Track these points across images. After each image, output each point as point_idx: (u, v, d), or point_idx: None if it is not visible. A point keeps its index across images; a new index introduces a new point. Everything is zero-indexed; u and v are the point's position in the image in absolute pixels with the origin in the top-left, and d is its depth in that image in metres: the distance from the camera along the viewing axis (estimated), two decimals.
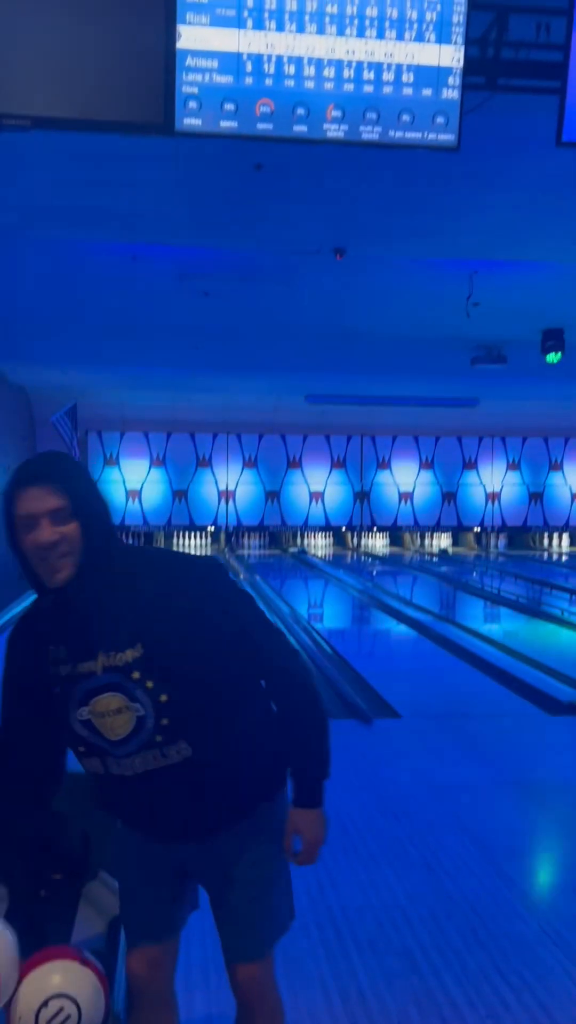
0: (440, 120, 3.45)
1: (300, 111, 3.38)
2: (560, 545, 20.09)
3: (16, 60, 3.23)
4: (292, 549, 18.85)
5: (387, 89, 3.40)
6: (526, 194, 5.87)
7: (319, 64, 3.36)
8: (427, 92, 3.42)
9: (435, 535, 19.95)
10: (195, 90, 3.32)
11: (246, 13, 3.29)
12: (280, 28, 3.31)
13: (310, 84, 3.37)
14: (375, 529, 19.61)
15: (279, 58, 3.34)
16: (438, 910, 3.25)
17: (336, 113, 3.40)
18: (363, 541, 19.66)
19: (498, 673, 7.23)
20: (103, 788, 1.93)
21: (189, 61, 3.30)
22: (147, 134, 3.37)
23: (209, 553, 18.57)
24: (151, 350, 11.99)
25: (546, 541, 20.15)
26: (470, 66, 3.50)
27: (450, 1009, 2.66)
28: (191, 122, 3.34)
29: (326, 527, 19.36)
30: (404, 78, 3.40)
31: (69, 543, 1.67)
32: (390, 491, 19.53)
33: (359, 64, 3.38)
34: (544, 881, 3.78)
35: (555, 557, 19.14)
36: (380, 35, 3.35)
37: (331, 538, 19.52)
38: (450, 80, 3.42)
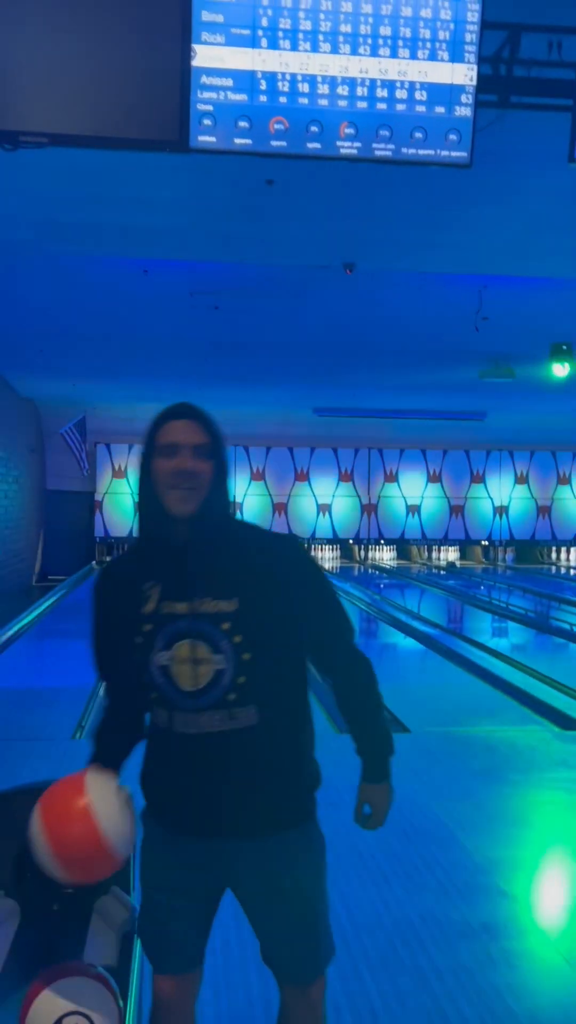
0: (453, 137, 3.47)
1: (314, 128, 3.40)
2: (568, 559, 20.04)
3: (32, 78, 3.26)
4: None
5: (400, 107, 3.42)
6: (537, 210, 5.90)
7: (333, 82, 3.39)
8: (440, 110, 3.44)
9: (442, 548, 19.94)
10: (210, 108, 3.34)
11: (261, 33, 3.32)
12: (294, 47, 3.34)
13: (324, 102, 3.39)
14: (382, 542, 19.60)
15: (293, 76, 3.37)
16: (449, 929, 3.23)
17: (349, 130, 3.42)
18: (370, 554, 19.65)
19: (507, 687, 7.21)
20: (162, 754, 1.85)
21: (204, 79, 3.33)
22: (162, 151, 3.40)
23: None
24: (160, 363, 12.04)
25: (554, 555, 20.10)
26: (483, 84, 3.52)
27: None
28: (205, 139, 3.36)
29: (333, 539, 19.36)
30: (417, 96, 3.42)
31: (201, 479, 1.75)
32: (397, 504, 19.53)
33: (372, 82, 3.40)
34: (557, 900, 3.75)
35: (563, 571, 19.08)
36: (393, 54, 3.37)
37: (338, 550, 19.52)
38: (463, 98, 3.44)
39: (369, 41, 3.35)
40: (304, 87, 3.37)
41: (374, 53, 3.36)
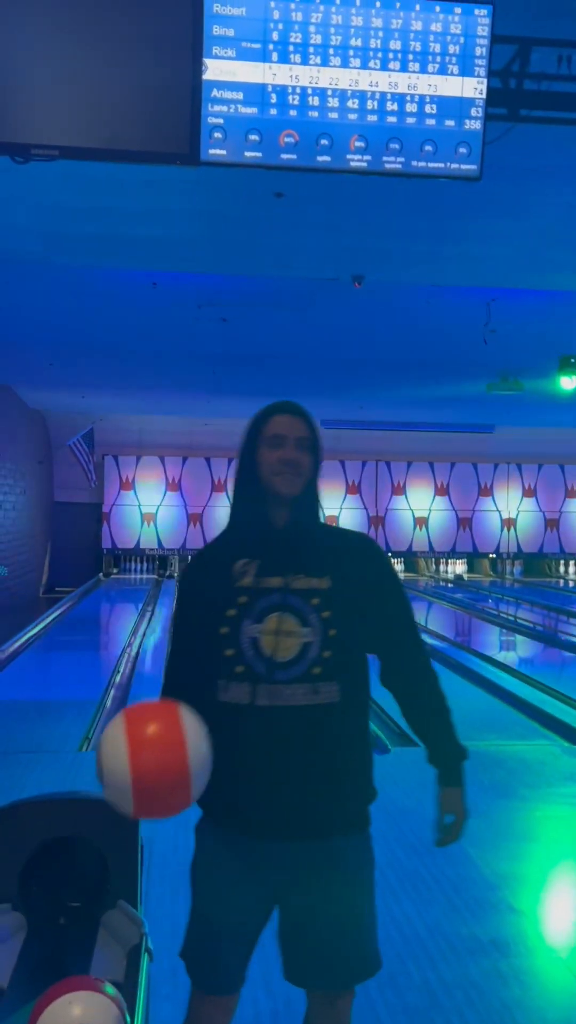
0: (463, 150, 3.48)
1: (324, 141, 3.42)
2: None
3: (43, 91, 3.28)
4: None
5: (410, 120, 3.43)
6: (546, 223, 5.91)
7: (343, 95, 3.40)
8: (450, 123, 3.45)
9: (450, 561, 19.89)
10: (220, 121, 3.36)
11: (271, 46, 3.34)
12: (305, 61, 3.35)
13: (334, 115, 3.40)
14: (390, 554, 19.56)
15: (303, 89, 3.38)
16: (459, 945, 3.20)
17: (360, 143, 3.43)
18: None
19: (515, 701, 7.17)
20: (233, 737, 1.83)
21: (215, 93, 3.34)
22: (172, 164, 3.41)
23: None
24: (168, 375, 12.08)
25: (562, 568, 20.03)
26: (493, 97, 3.54)
27: None
28: (216, 152, 3.38)
29: None
30: (427, 109, 3.43)
31: (302, 468, 1.90)
32: (405, 516, 19.50)
33: (383, 95, 3.41)
34: (567, 916, 3.71)
35: (571, 584, 19.01)
36: (403, 67, 3.39)
37: None
38: (473, 111, 3.45)
39: (379, 55, 3.36)
40: (314, 100, 3.38)
41: (384, 67, 3.38)
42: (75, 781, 4.83)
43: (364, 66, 3.37)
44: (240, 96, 3.36)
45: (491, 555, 19.87)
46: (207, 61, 3.31)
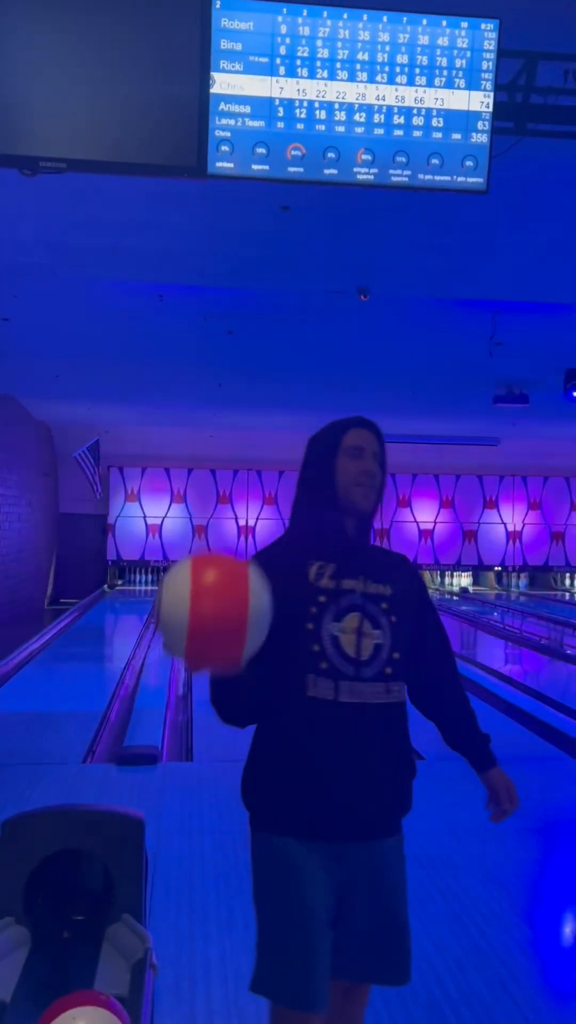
0: (469, 163, 3.49)
1: (331, 155, 3.43)
2: None
3: (52, 104, 3.30)
4: None
5: (417, 133, 3.45)
6: (552, 236, 5.92)
7: (350, 109, 3.42)
8: (457, 136, 3.46)
9: (455, 574, 19.85)
10: (228, 134, 3.38)
11: (278, 60, 3.35)
12: (312, 75, 3.37)
13: (341, 128, 3.42)
14: None
15: (310, 103, 3.40)
16: (465, 961, 3.17)
17: (366, 157, 3.44)
18: None
19: (522, 715, 7.14)
20: (318, 732, 1.86)
21: (222, 106, 3.36)
22: (180, 176, 3.43)
23: None
24: (174, 387, 12.10)
25: (567, 581, 19.97)
26: (499, 111, 3.55)
27: None
28: (223, 165, 3.39)
29: None
30: (434, 122, 3.44)
31: (376, 481, 2.01)
32: (410, 529, 19.48)
33: (389, 109, 3.43)
34: (575, 932, 3.68)
35: None
36: (410, 81, 3.41)
37: None
38: (480, 124, 3.47)
39: (386, 69, 3.38)
40: (321, 114, 3.40)
41: (391, 80, 3.39)
42: (79, 794, 4.81)
43: (371, 80, 3.38)
44: (247, 110, 3.37)
45: (496, 568, 19.82)
46: (215, 75, 3.33)
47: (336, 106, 3.41)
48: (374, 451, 2.00)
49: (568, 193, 5.09)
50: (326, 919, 1.87)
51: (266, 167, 3.42)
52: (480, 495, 19.61)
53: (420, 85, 3.42)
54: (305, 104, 3.39)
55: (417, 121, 3.44)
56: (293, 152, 3.41)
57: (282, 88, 3.38)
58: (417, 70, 3.41)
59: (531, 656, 11.50)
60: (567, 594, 19.35)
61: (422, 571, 19.54)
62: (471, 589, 19.45)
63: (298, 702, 1.87)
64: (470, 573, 19.92)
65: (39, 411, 15.24)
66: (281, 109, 3.38)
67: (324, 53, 3.36)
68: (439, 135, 3.45)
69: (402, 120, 3.43)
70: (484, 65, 3.42)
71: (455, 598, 18.15)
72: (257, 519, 19.03)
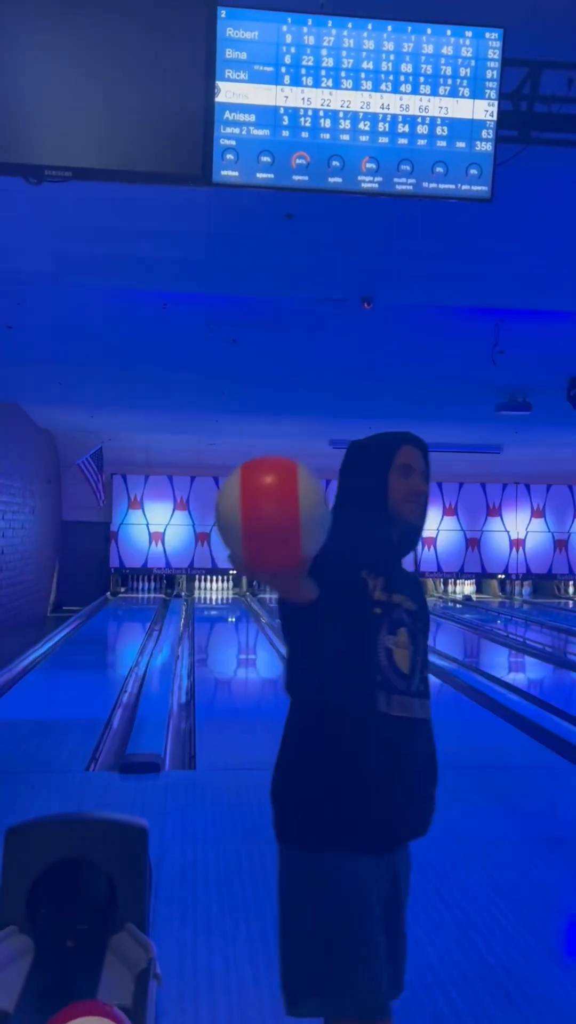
0: (474, 172, 3.49)
1: (335, 163, 3.44)
2: None
3: (57, 113, 3.31)
4: None
5: (421, 142, 3.46)
6: (556, 244, 5.92)
7: (354, 117, 3.42)
8: (461, 145, 3.47)
9: (458, 582, 19.82)
10: (233, 143, 3.39)
11: (283, 69, 3.37)
12: (316, 83, 3.38)
13: (345, 137, 3.43)
14: None
15: (315, 112, 3.41)
16: (470, 972, 3.15)
17: (371, 165, 3.45)
18: None
19: (525, 724, 7.11)
20: (376, 743, 1.87)
21: (227, 115, 3.37)
22: (185, 185, 3.44)
23: (231, 598, 18.54)
24: (178, 395, 12.12)
25: (571, 589, 19.94)
26: (503, 119, 3.56)
27: None
28: (228, 174, 3.40)
29: None
30: (438, 131, 3.45)
31: (423, 500, 2.04)
32: None
33: (394, 117, 3.44)
34: None
35: None
36: (415, 90, 3.42)
37: None
38: (484, 133, 3.47)
39: (391, 77, 3.39)
40: (326, 122, 3.41)
41: (396, 89, 3.40)
42: (82, 802, 4.80)
43: (376, 89, 3.40)
44: (252, 118, 3.39)
45: (500, 576, 19.79)
46: (220, 84, 3.34)
47: (341, 115, 3.42)
48: (422, 469, 2.03)
49: (572, 201, 5.10)
50: (380, 927, 1.89)
51: (271, 175, 3.43)
52: (483, 503, 19.59)
53: (424, 94, 3.43)
54: (310, 113, 3.40)
55: (421, 130, 3.45)
56: (298, 160, 3.42)
57: (287, 97, 3.39)
58: (421, 79, 3.42)
59: (535, 664, 11.47)
60: (571, 602, 19.30)
61: (424, 579, 19.53)
62: (474, 597, 19.42)
63: (360, 711, 1.86)
64: (473, 581, 19.89)
65: (43, 419, 15.26)
66: (286, 118, 3.40)
67: (329, 62, 3.37)
68: (443, 143, 3.46)
69: (406, 129, 3.44)
70: (488, 74, 3.43)
71: (458, 606, 18.11)
72: None
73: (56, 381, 11.42)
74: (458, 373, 10.28)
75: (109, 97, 3.30)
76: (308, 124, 3.40)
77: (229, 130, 3.38)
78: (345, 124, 3.41)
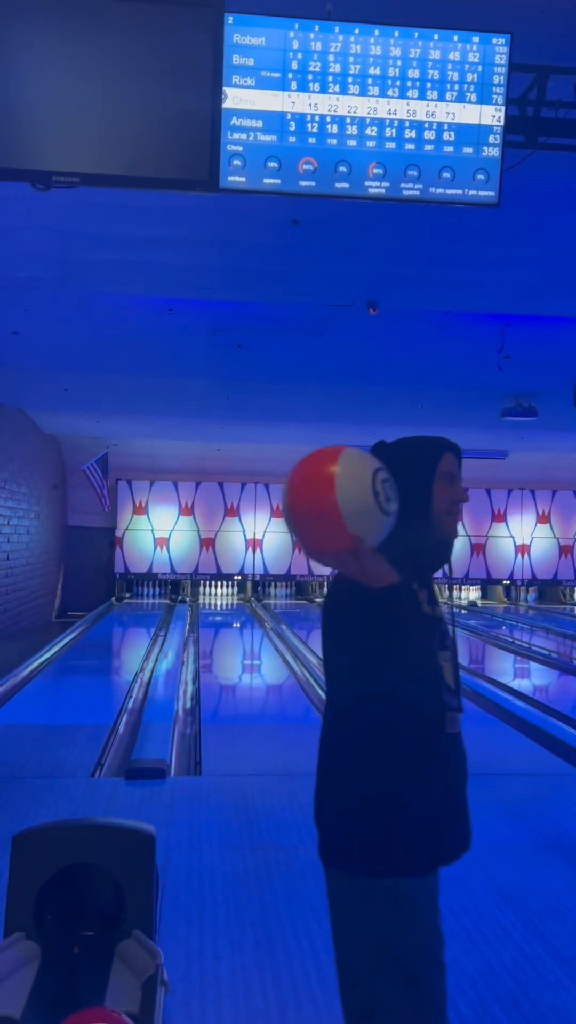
0: (481, 177, 3.49)
1: (342, 168, 3.44)
2: None
3: (65, 119, 3.32)
4: (319, 599, 18.75)
5: (428, 147, 3.46)
6: (562, 249, 5.92)
7: (361, 123, 3.43)
8: (468, 150, 3.47)
9: (463, 587, 19.78)
10: (240, 148, 3.39)
11: (290, 75, 3.37)
12: (324, 89, 3.39)
13: (352, 142, 3.43)
14: None
15: (322, 117, 3.41)
16: (477, 979, 3.13)
17: (378, 170, 3.45)
18: None
19: (531, 730, 7.08)
20: (438, 762, 1.86)
21: (234, 121, 3.38)
22: (192, 191, 3.44)
23: (235, 603, 18.54)
24: (183, 400, 12.13)
25: None
26: (510, 124, 3.56)
27: None
28: (235, 179, 3.41)
29: None
30: (445, 136, 3.45)
31: (462, 510, 1.99)
32: None
33: (401, 123, 3.44)
34: None
35: None
36: (422, 95, 3.42)
37: None
38: (491, 138, 3.47)
39: (398, 83, 3.40)
40: (333, 128, 3.41)
41: (403, 95, 3.41)
42: (88, 807, 4.79)
43: (383, 94, 3.40)
44: (259, 124, 3.39)
45: (505, 582, 19.75)
46: (227, 90, 3.35)
47: (348, 120, 3.42)
48: (460, 477, 1.98)
49: None
50: None
51: (278, 181, 3.43)
52: (488, 508, 19.56)
53: (431, 99, 3.43)
54: (317, 118, 3.41)
55: (429, 135, 3.45)
56: (305, 166, 3.43)
57: (294, 102, 3.39)
58: (428, 84, 3.42)
59: (540, 670, 11.44)
60: None
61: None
62: (479, 603, 19.38)
63: (437, 735, 1.84)
64: (479, 587, 19.85)
65: (48, 424, 15.28)
66: (293, 123, 3.40)
67: (336, 68, 3.37)
68: (450, 149, 3.46)
69: (414, 134, 3.44)
70: (495, 79, 3.43)
71: (463, 612, 18.07)
72: (264, 532, 19.01)
73: (62, 387, 11.45)
74: (464, 378, 10.27)
75: (116, 103, 3.31)
76: (315, 130, 3.40)
77: (236, 136, 3.39)
78: (352, 130, 3.41)
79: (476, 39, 3.42)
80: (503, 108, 3.48)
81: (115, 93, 3.30)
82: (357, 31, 3.38)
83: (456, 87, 3.42)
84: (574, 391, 10.08)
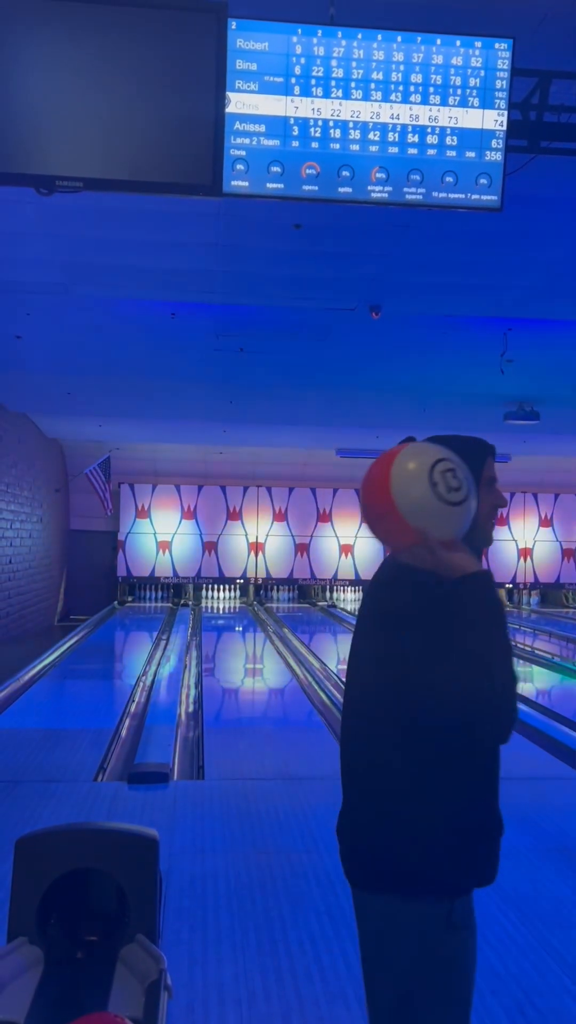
0: (483, 181, 3.50)
1: (345, 173, 3.45)
2: None
3: (68, 124, 3.33)
4: (321, 603, 18.74)
5: (431, 151, 3.46)
6: (564, 253, 5.92)
7: (364, 127, 3.43)
8: (471, 154, 3.47)
9: None
10: (243, 153, 3.40)
11: (293, 80, 3.38)
12: (327, 94, 3.39)
13: (355, 147, 3.43)
14: None
15: (325, 122, 3.42)
16: (482, 985, 3.10)
17: (381, 175, 3.45)
18: None
19: (534, 734, 7.07)
20: (493, 780, 1.84)
21: (237, 125, 3.38)
22: (195, 195, 3.44)
23: (238, 606, 18.53)
24: (185, 404, 12.14)
25: None
26: (513, 129, 3.56)
27: None
28: (238, 184, 3.41)
29: (356, 581, 19.26)
30: (448, 141, 3.46)
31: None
32: None
33: (403, 127, 3.44)
34: None
35: None
36: (424, 100, 3.42)
37: (360, 592, 19.40)
38: (493, 143, 3.48)
39: (400, 88, 3.40)
40: (336, 133, 3.42)
41: (405, 99, 3.41)
42: (90, 812, 4.79)
43: (385, 99, 3.40)
44: (262, 129, 3.39)
45: (508, 585, 19.73)
46: (230, 95, 3.35)
47: (351, 125, 3.42)
48: (498, 481, 1.94)
49: None
50: None
51: (281, 185, 3.43)
52: None
53: (434, 104, 3.43)
54: (320, 123, 3.41)
55: (431, 140, 3.45)
56: (308, 170, 3.43)
57: (297, 107, 3.40)
58: (431, 89, 3.42)
59: (543, 674, 11.42)
60: None
61: None
62: None
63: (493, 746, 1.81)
64: None
65: (51, 428, 15.30)
66: (296, 128, 3.41)
67: (339, 73, 3.38)
68: (453, 153, 3.46)
69: (416, 139, 3.44)
70: (498, 84, 3.44)
71: None
72: (267, 535, 19.01)
73: (65, 391, 11.46)
74: (466, 382, 10.27)
75: (119, 108, 3.31)
76: (318, 134, 3.41)
77: (239, 140, 3.39)
78: (355, 134, 3.42)
79: (479, 44, 3.42)
80: (505, 113, 3.49)
81: (118, 98, 3.31)
82: (360, 36, 3.38)
83: (459, 92, 3.43)
84: None
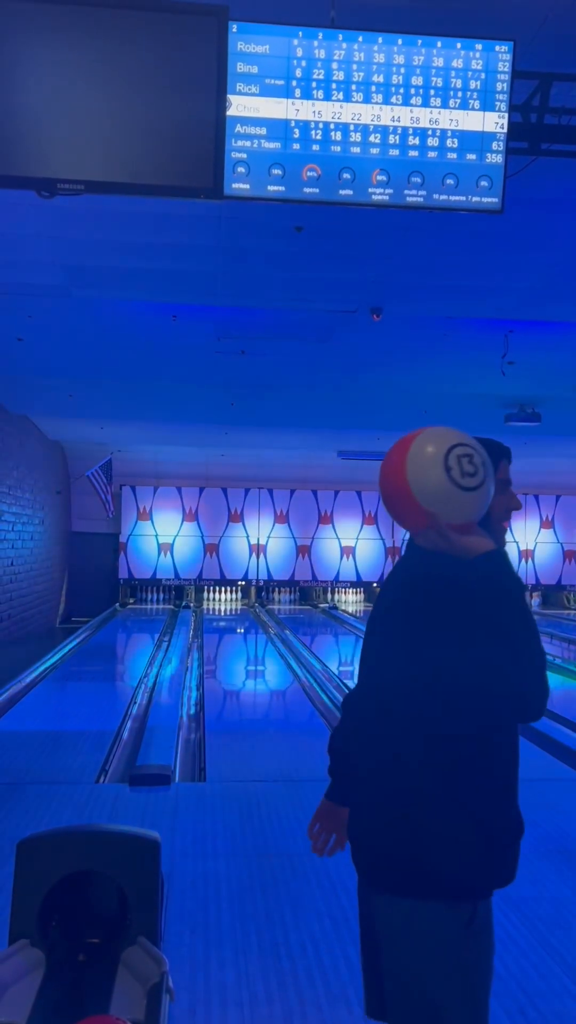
0: (484, 183, 3.50)
1: (346, 175, 3.45)
2: None
3: (69, 127, 3.33)
4: (323, 604, 18.74)
5: (432, 154, 3.46)
6: (565, 255, 5.92)
7: (365, 130, 3.44)
8: (471, 157, 3.47)
9: None
10: (244, 156, 3.40)
11: (294, 83, 3.38)
12: (328, 97, 3.40)
13: (356, 149, 3.44)
14: None
15: (326, 125, 3.42)
16: None
17: (382, 177, 3.46)
18: None
19: (536, 736, 7.07)
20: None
21: (238, 128, 3.39)
22: (196, 198, 3.45)
23: (239, 608, 18.53)
24: (187, 406, 12.15)
25: None
26: (514, 131, 3.56)
27: None
28: (239, 187, 3.42)
29: (357, 583, 19.26)
30: (449, 143, 3.46)
31: None
32: None
33: (404, 130, 3.45)
34: None
35: None
36: (425, 103, 3.43)
37: (362, 594, 19.40)
38: (494, 145, 3.48)
39: (401, 90, 3.40)
40: (337, 135, 3.42)
41: (406, 102, 3.41)
42: (92, 814, 4.79)
43: (386, 101, 3.41)
44: (263, 131, 3.40)
45: None
46: (231, 97, 3.36)
47: (351, 127, 3.43)
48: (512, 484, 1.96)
49: None
50: None
51: (282, 188, 3.44)
52: None
53: (435, 106, 3.44)
54: (321, 125, 3.42)
55: (432, 142, 3.46)
56: (309, 173, 3.44)
57: (298, 110, 3.40)
58: (432, 91, 3.43)
59: None
60: None
61: None
62: None
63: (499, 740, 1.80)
64: None
65: (52, 431, 15.32)
66: (297, 131, 3.41)
67: (340, 75, 3.38)
68: (454, 155, 3.47)
69: (417, 141, 3.45)
70: (499, 86, 3.44)
71: None
72: (268, 537, 19.01)
73: (66, 393, 11.47)
74: (467, 384, 10.28)
75: (121, 111, 3.32)
76: (319, 137, 3.41)
77: (240, 143, 3.40)
78: (356, 137, 3.42)
79: (479, 46, 3.43)
80: (506, 115, 3.49)
81: (119, 101, 3.31)
82: (360, 39, 3.39)
83: (459, 94, 3.43)
84: None
